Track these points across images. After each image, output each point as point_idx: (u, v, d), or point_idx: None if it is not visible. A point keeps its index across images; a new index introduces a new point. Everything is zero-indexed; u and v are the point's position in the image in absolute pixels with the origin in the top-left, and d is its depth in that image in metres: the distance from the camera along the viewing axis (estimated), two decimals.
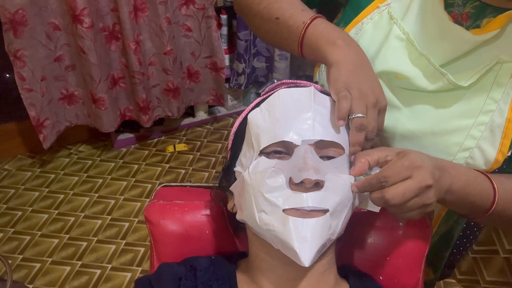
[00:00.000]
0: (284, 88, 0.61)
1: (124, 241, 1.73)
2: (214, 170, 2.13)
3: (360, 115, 0.51)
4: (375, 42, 0.63)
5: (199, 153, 2.25)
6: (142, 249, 1.70)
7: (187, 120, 2.44)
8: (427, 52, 0.58)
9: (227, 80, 2.39)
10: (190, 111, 2.46)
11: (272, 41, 0.67)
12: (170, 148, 2.25)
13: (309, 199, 0.50)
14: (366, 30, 0.64)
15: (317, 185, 0.50)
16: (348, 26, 0.66)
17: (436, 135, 0.60)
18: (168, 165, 2.15)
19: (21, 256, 1.65)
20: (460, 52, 0.58)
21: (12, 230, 1.76)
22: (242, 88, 2.37)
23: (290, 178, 0.51)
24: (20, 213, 1.85)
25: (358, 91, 0.52)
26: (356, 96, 0.52)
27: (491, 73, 0.56)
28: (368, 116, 0.52)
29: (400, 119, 0.63)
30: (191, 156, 2.22)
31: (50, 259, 1.65)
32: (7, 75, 2.16)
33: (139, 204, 1.91)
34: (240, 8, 0.70)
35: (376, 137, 0.54)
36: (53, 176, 2.06)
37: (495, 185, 0.55)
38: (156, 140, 2.33)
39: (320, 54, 0.57)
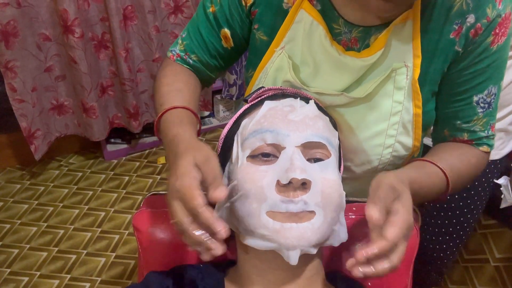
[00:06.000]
0: (270, 94, 0.62)
1: (114, 254, 1.71)
2: None
3: None
4: (280, 83, 0.68)
5: None
6: (133, 262, 1.68)
7: None
8: (326, 83, 0.65)
9: (219, 91, 2.40)
10: None
11: None
12: (162, 160, 2.24)
13: (296, 201, 0.50)
14: (270, 73, 0.69)
15: (304, 186, 0.51)
16: (256, 72, 0.71)
17: (360, 143, 0.67)
18: (159, 177, 2.14)
19: (8, 270, 1.63)
20: (358, 76, 0.64)
21: (0, 243, 1.74)
22: (234, 99, 2.39)
23: (278, 180, 0.51)
24: (8, 226, 1.82)
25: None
26: None
27: (390, 80, 0.64)
28: None
29: None
30: None
31: (38, 273, 1.62)
32: None
33: (129, 216, 1.90)
34: None
35: None
36: (42, 188, 2.04)
37: (448, 177, 0.63)
38: (147, 151, 2.33)
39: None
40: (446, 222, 1.07)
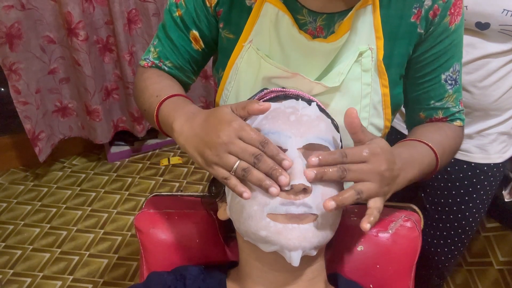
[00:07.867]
0: (272, 96, 0.62)
1: (117, 255, 1.71)
2: (209, 183, 2.12)
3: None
4: (252, 77, 0.68)
5: (193, 166, 2.24)
6: (135, 263, 1.68)
7: None
8: (299, 71, 0.65)
9: None
10: None
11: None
12: (164, 161, 2.25)
13: (297, 204, 0.50)
14: (241, 69, 0.69)
15: (306, 190, 0.51)
16: (225, 70, 0.71)
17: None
18: (162, 178, 2.15)
19: (11, 271, 1.63)
20: (328, 61, 0.66)
21: (3, 244, 1.74)
22: None
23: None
24: (11, 227, 1.83)
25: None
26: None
27: (356, 63, 0.66)
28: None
29: None
30: (186, 169, 2.22)
31: (41, 274, 1.62)
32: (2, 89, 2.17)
33: (132, 217, 1.90)
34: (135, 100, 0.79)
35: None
36: (46, 189, 2.05)
37: (433, 148, 0.66)
38: (150, 153, 2.33)
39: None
40: (448, 225, 1.07)
